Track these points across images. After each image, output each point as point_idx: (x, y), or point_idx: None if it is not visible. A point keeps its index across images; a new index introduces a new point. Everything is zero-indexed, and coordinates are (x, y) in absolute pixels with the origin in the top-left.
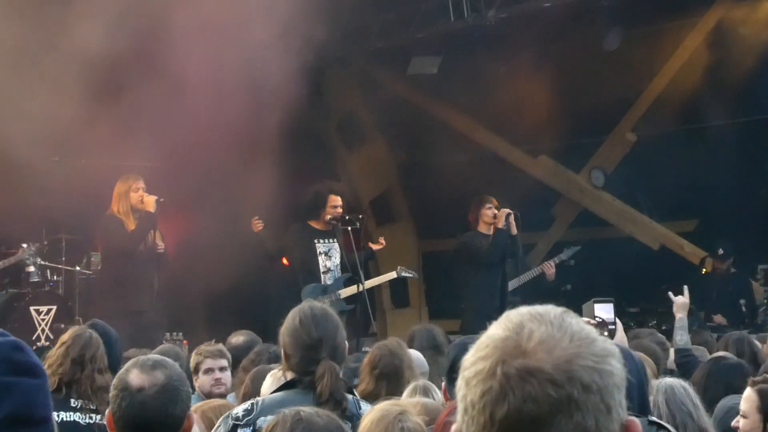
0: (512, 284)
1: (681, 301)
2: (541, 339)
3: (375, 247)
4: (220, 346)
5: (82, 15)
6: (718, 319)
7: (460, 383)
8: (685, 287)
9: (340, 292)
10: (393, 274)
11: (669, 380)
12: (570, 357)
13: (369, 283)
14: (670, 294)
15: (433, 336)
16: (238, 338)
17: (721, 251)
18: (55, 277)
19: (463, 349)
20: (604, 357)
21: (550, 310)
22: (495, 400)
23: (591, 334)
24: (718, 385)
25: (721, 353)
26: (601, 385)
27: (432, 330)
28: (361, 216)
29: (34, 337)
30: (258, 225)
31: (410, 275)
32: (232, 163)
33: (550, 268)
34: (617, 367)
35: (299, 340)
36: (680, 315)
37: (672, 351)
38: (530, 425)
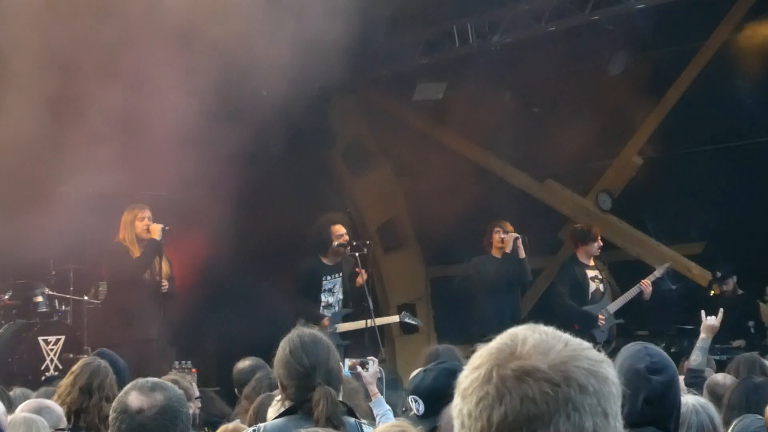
0: (613, 306)
1: (709, 323)
2: (536, 344)
3: (358, 282)
4: (176, 377)
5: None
6: (738, 343)
7: (456, 400)
8: (721, 310)
9: (338, 325)
10: (395, 318)
11: (692, 399)
12: (565, 359)
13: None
14: (702, 313)
15: (456, 356)
16: (244, 363)
17: (719, 274)
18: (63, 307)
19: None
20: (600, 362)
21: (542, 325)
22: (492, 404)
23: (584, 343)
24: (759, 405)
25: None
26: (598, 388)
27: (454, 350)
28: (368, 242)
29: (42, 368)
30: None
31: (414, 322)
32: (239, 192)
33: (647, 287)
34: (612, 374)
35: (292, 370)
36: (704, 335)
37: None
38: (528, 426)
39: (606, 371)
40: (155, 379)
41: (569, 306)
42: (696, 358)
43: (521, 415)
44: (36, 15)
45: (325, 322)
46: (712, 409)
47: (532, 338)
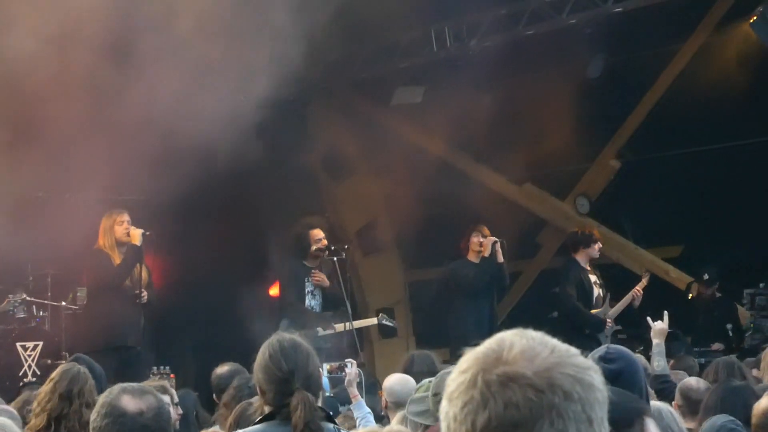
0: (613, 313)
1: (658, 327)
2: (522, 350)
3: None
4: (165, 383)
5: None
6: (716, 346)
7: (443, 403)
8: (665, 313)
9: (320, 329)
10: (374, 320)
11: (656, 404)
12: (551, 365)
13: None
14: (649, 319)
15: (432, 361)
16: (222, 368)
17: (706, 276)
18: (41, 312)
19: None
20: (586, 369)
21: (530, 330)
22: (476, 409)
23: (572, 349)
24: (737, 408)
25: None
26: (583, 395)
27: (431, 356)
28: (346, 246)
29: (21, 373)
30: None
31: (392, 325)
32: (219, 197)
33: (639, 295)
34: (598, 381)
35: (271, 375)
36: (657, 341)
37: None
38: (512, 431)
39: (591, 378)
40: (139, 384)
41: (580, 310)
42: (658, 364)
43: (505, 420)
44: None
45: (339, 327)
46: (676, 414)
47: (519, 344)
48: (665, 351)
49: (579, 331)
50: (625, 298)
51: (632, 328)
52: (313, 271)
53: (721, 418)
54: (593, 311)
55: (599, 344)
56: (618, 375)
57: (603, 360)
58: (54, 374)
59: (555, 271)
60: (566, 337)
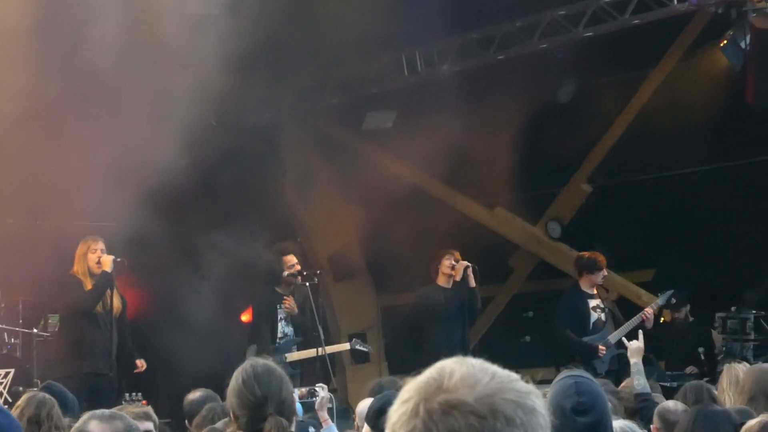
0: (614, 337)
1: (635, 346)
2: (463, 377)
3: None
4: (147, 409)
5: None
6: (690, 369)
7: None
8: (640, 332)
9: (289, 355)
10: (346, 346)
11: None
12: (492, 391)
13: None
14: (624, 339)
15: (382, 387)
16: (194, 394)
17: (673, 301)
18: (12, 339)
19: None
20: (527, 394)
21: (471, 358)
22: None
23: (512, 375)
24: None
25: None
26: (525, 420)
27: (397, 382)
28: (318, 272)
29: None
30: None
31: (365, 350)
32: (189, 222)
33: (650, 315)
34: (540, 406)
35: (244, 400)
36: (634, 360)
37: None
38: None
39: (533, 402)
40: (111, 410)
41: (569, 338)
42: (638, 382)
43: None
44: None
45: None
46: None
47: (459, 371)
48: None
49: (569, 357)
50: (629, 322)
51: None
52: (285, 297)
53: None
54: (587, 338)
55: (593, 370)
56: (593, 429)
57: (575, 412)
58: (20, 402)
59: (526, 296)
60: (555, 363)
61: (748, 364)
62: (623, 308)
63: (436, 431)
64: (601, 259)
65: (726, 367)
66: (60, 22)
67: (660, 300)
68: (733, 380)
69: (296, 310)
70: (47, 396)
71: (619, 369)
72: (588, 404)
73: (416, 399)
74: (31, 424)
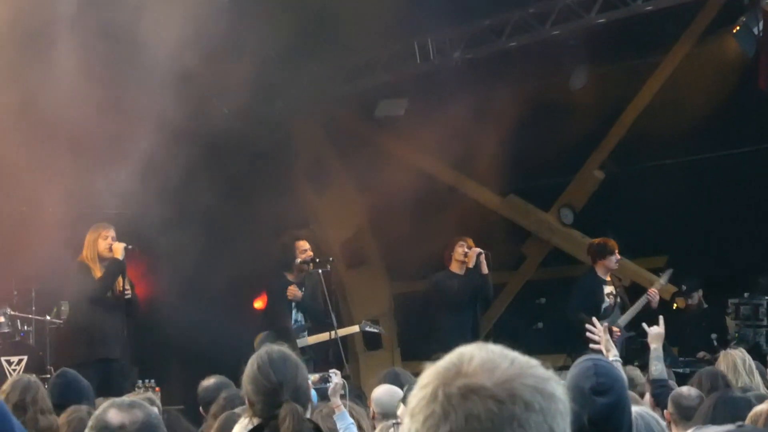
0: (623, 320)
1: (655, 332)
2: (482, 362)
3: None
4: (150, 394)
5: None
6: (701, 355)
7: (405, 419)
8: (661, 317)
9: (302, 340)
10: (356, 328)
11: (637, 409)
12: (511, 377)
13: (327, 336)
14: (644, 325)
15: (396, 376)
16: (208, 381)
17: (684, 287)
18: (25, 327)
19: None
20: (546, 379)
21: (491, 344)
22: (437, 423)
23: (532, 361)
24: (727, 418)
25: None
26: (544, 405)
27: (396, 372)
28: (331, 259)
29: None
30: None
31: (375, 330)
32: (201, 210)
33: (655, 295)
34: (560, 392)
35: (260, 386)
36: (655, 345)
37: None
38: None
39: (553, 388)
40: (131, 398)
41: (583, 320)
42: (656, 368)
43: None
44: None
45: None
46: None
47: (479, 356)
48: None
49: (582, 340)
50: (636, 304)
51: (639, 338)
52: (290, 285)
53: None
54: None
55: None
56: (612, 410)
57: (594, 392)
58: (4, 387)
59: (539, 283)
60: (570, 347)
61: (745, 350)
62: (637, 295)
63: (454, 416)
64: (612, 243)
65: (722, 353)
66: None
67: (662, 279)
68: (731, 366)
69: (300, 295)
70: (33, 379)
71: (625, 357)
72: (607, 385)
73: (435, 384)
74: (17, 409)
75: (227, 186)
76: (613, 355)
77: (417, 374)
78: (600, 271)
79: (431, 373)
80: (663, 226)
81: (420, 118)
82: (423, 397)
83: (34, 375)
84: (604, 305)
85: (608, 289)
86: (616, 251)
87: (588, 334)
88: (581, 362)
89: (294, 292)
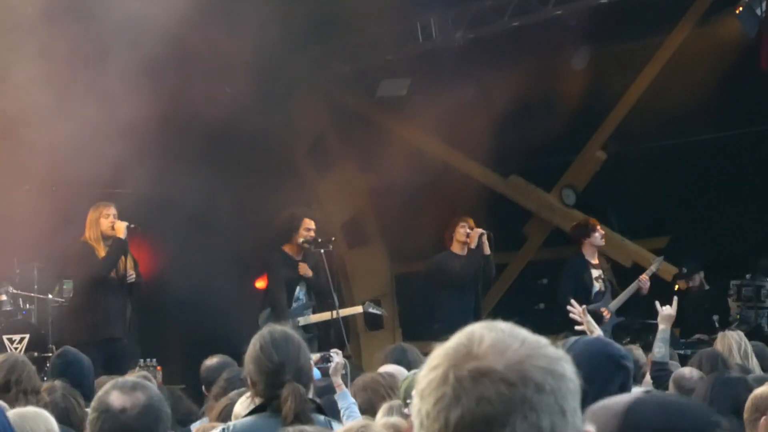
0: (614, 305)
1: (666, 312)
2: (492, 343)
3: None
4: (145, 374)
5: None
6: (699, 336)
7: (415, 400)
8: (675, 298)
9: (300, 319)
10: (359, 309)
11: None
12: (522, 358)
13: (329, 315)
14: (657, 303)
15: (403, 351)
16: (211, 360)
17: (684, 270)
18: (27, 305)
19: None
20: (557, 359)
21: (501, 322)
22: (449, 405)
23: (542, 340)
24: (725, 399)
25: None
26: (555, 386)
27: (403, 348)
28: (332, 239)
29: None
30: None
31: (378, 312)
32: (203, 189)
33: (646, 282)
34: (570, 371)
35: (262, 366)
36: (663, 326)
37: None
38: (485, 426)
39: (563, 368)
40: (135, 379)
41: (573, 304)
42: (659, 350)
43: (478, 415)
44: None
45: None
46: None
47: (489, 337)
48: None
49: (571, 324)
50: (627, 289)
51: (639, 318)
52: (299, 263)
53: None
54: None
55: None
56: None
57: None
58: None
59: (541, 263)
60: (560, 332)
61: (743, 334)
62: (638, 276)
63: (465, 399)
64: (592, 221)
65: (720, 335)
66: None
67: (653, 266)
68: (726, 348)
69: (311, 273)
70: (21, 359)
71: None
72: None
73: (445, 366)
74: (2, 390)
75: (229, 165)
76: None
77: (429, 353)
78: (587, 253)
79: (441, 353)
80: (665, 207)
81: (422, 98)
82: (433, 379)
83: (23, 354)
84: (594, 290)
85: (596, 272)
86: (598, 227)
87: (570, 315)
88: (590, 339)
89: (305, 269)
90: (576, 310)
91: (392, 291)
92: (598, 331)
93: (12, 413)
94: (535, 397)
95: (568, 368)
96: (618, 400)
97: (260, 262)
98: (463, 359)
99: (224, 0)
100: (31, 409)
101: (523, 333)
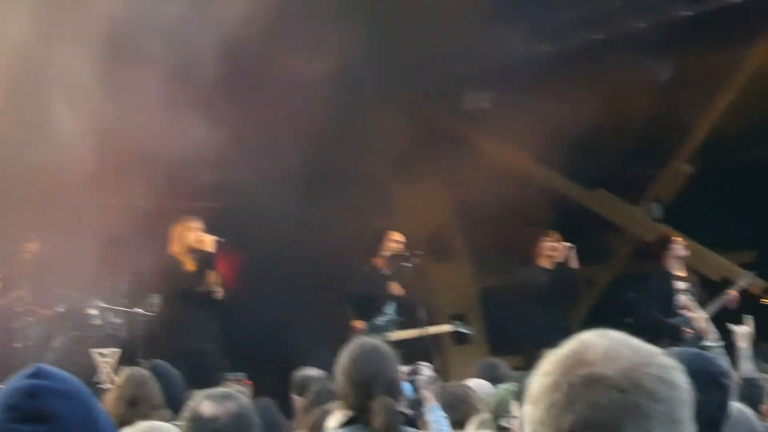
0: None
1: (743, 331)
2: (605, 350)
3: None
4: (239, 387)
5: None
6: None
7: (527, 407)
8: (749, 317)
9: (391, 335)
10: (447, 328)
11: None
12: (635, 366)
13: (416, 333)
14: (731, 326)
15: (494, 367)
16: (302, 372)
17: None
18: (116, 319)
19: None
20: (670, 368)
21: (613, 330)
22: (561, 412)
23: (654, 349)
24: None
25: None
26: (668, 395)
27: (494, 363)
28: (418, 252)
29: (97, 380)
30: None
31: (466, 331)
32: (288, 203)
33: (734, 297)
34: (683, 381)
35: (352, 379)
36: (744, 345)
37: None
38: None
39: (676, 377)
40: (226, 389)
41: (655, 318)
42: (746, 367)
43: (590, 422)
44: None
45: (358, 324)
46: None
47: (601, 344)
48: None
49: (655, 339)
50: (713, 304)
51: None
52: (390, 282)
53: None
54: (673, 319)
55: None
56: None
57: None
58: (119, 381)
59: (628, 277)
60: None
61: None
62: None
63: (578, 405)
64: (667, 233)
65: None
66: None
67: (743, 281)
68: None
69: (402, 291)
70: (147, 374)
71: None
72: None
73: (558, 372)
74: (130, 406)
75: (312, 179)
76: (712, 340)
77: (517, 367)
78: (671, 266)
79: (554, 360)
80: (753, 220)
81: (505, 110)
82: (546, 385)
83: (147, 370)
84: (678, 302)
85: (682, 285)
86: (676, 239)
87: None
88: (690, 352)
89: (397, 288)
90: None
91: (478, 305)
92: (713, 335)
93: (145, 426)
94: (648, 405)
95: (681, 378)
96: None
97: (346, 275)
98: (576, 366)
99: (307, 17)
100: (162, 424)
101: (636, 341)
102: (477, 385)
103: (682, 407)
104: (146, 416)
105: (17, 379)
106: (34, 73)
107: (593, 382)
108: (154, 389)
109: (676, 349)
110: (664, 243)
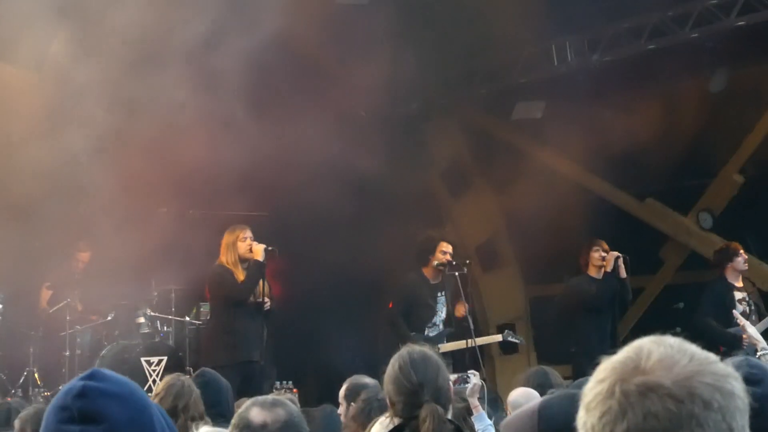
0: (760, 326)
1: None
2: (660, 358)
3: (460, 313)
4: (288, 395)
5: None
6: None
7: (580, 413)
8: None
9: (441, 346)
10: (498, 337)
11: None
12: (690, 374)
13: (470, 343)
14: None
15: (545, 375)
16: (352, 381)
17: None
18: (165, 327)
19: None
20: (725, 377)
21: (669, 337)
22: (614, 419)
23: (711, 357)
24: None
25: None
26: (723, 404)
27: (545, 371)
28: (468, 261)
29: (145, 388)
30: None
31: (517, 341)
32: (339, 212)
33: None
34: (739, 389)
35: (401, 386)
36: None
37: None
38: None
39: (732, 386)
40: (274, 396)
41: (713, 327)
42: None
43: (644, 430)
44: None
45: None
46: None
47: (657, 352)
48: None
49: (713, 347)
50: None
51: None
52: (440, 294)
53: None
54: (732, 329)
55: None
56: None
57: (747, 382)
58: (159, 389)
59: (677, 287)
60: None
61: None
62: None
63: (632, 413)
64: (734, 245)
65: None
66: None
67: None
68: None
69: (467, 307)
70: (187, 383)
71: None
72: (760, 375)
73: (612, 379)
74: (170, 415)
75: (363, 188)
76: (761, 347)
77: (565, 377)
78: (730, 276)
79: (608, 367)
80: None
81: (557, 120)
82: (599, 392)
83: (188, 377)
84: (737, 312)
85: (740, 295)
86: (741, 252)
87: (738, 319)
88: (733, 359)
89: (461, 310)
90: (740, 321)
91: (527, 314)
92: (762, 343)
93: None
94: (703, 414)
95: (737, 386)
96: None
97: (394, 284)
98: (631, 373)
99: (362, 27)
100: (219, 430)
101: (692, 348)
102: (524, 393)
103: (737, 415)
104: (185, 427)
105: (72, 382)
106: (84, 85)
107: (648, 390)
108: (195, 399)
109: (735, 357)
110: (728, 253)
